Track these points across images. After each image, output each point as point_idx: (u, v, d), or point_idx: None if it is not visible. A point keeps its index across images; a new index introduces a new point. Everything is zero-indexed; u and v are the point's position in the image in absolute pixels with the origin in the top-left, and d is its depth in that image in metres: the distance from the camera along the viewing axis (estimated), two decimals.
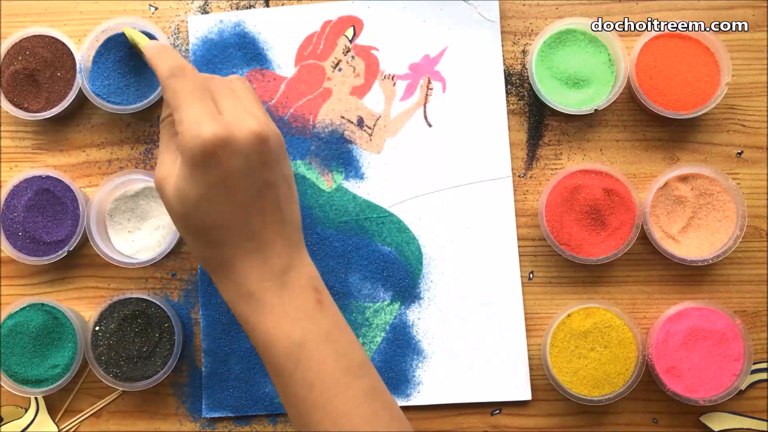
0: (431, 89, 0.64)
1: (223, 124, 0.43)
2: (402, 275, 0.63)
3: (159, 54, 0.48)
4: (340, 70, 0.65)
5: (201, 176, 0.42)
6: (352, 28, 0.65)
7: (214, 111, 0.44)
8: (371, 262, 0.63)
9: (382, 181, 0.64)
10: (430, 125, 0.64)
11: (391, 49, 0.65)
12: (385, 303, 0.63)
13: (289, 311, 0.45)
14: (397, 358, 0.62)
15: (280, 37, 0.65)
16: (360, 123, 0.64)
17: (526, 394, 0.61)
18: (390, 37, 0.65)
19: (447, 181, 0.63)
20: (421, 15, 0.65)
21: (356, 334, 0.63)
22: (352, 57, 0.65)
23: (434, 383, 0.62)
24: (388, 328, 0.63)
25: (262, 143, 0.44)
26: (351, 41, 0.65)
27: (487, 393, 0.61)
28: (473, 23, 0.65)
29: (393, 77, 0.65)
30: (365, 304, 0.63)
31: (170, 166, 0.45)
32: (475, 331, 0.62)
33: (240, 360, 0.63)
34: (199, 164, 0.42)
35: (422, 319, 0.62)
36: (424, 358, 0.62)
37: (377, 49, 0.65)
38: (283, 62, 0.65)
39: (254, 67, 0.65)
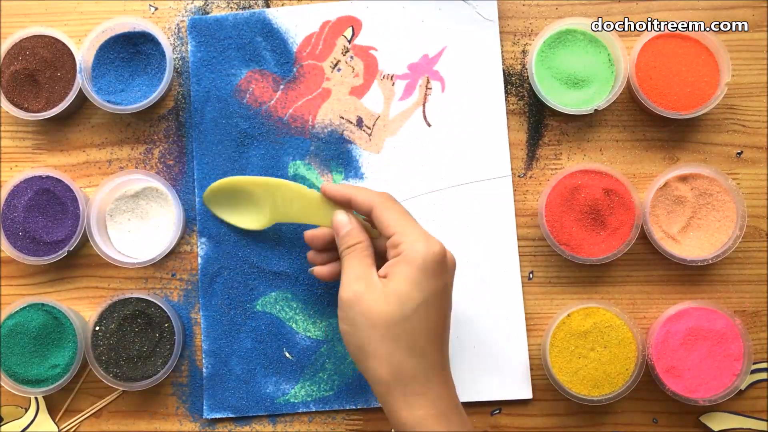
0: (430, 89, 0.64)
1: (439, 242, 0.49)
2: None
3: (350, 187, 0.54)
4: (339, 70, 0.65)
5: (428, 282, 0.47)
6: (350, 28, 0.65)
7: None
8: None
9: (382, 181, 0.64)
10: (429, 125, 0.64)
11: (390, 49, 0.65)
12: None
13: None
14: None
15: (279, 37, 0.65)
16: (359, 123, 0.64)
17: (526, 394, 0.61)
18: (389, 37, 0.65)
19: (446, 181, 0.63)
20: (419, 15, 0.65)
21: None
22: (351, 57, 0.65)
23: None
24: None
25: (454, 264, 0.52)
26: (350, 41, 0.65)
27: (487, 393, 0.61)
28: (472, 23, 0.65)
29: (392, 77, 0.65)
30: None
31: (366, 280, 0.49)
32: (475, 330, 0.62)
33: (241, 360, 0.63)
34: (429, 272, 0.47)
35: None
36: None
37: (376, 49, 0.65)
38: (282, 63, 0.65)
39: (253, 68, 0.65)
